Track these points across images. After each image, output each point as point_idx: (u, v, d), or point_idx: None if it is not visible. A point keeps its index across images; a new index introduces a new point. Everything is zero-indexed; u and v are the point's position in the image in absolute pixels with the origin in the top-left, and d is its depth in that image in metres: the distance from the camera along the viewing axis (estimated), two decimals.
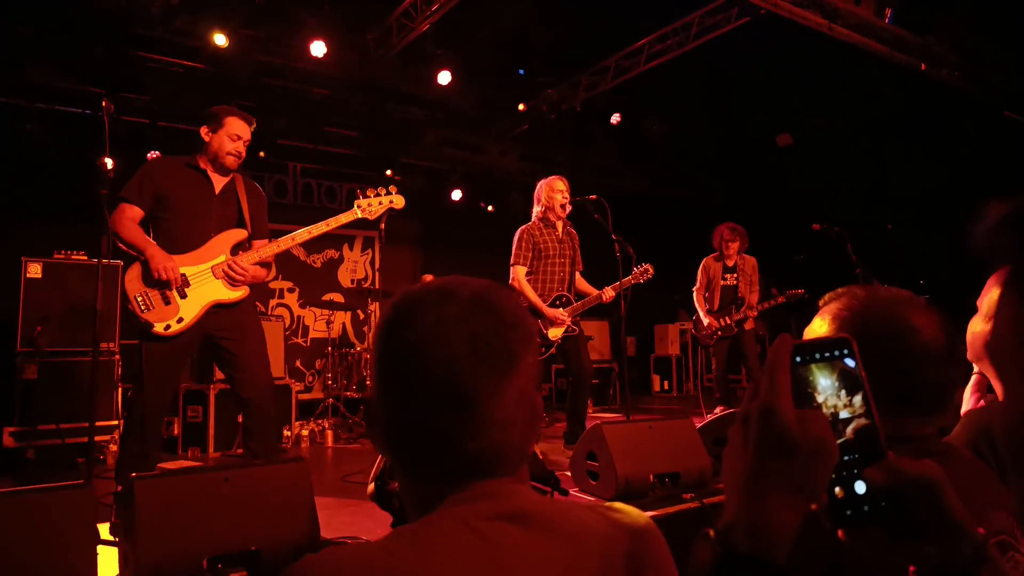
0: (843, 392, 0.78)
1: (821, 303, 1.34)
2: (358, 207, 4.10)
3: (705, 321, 7.00)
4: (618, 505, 0.97)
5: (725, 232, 7.10)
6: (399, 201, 4.17)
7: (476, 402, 0.83)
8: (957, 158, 8.71)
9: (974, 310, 2.03)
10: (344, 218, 4.03)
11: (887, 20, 6.75)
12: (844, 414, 0.77)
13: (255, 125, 4.00)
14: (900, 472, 0.74)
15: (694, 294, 7.18)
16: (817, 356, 0.79)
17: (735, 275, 7.08)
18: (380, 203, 4.13)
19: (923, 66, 7.26)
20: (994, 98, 8.02)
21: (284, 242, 3.94)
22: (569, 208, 5.46)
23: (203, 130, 3.88)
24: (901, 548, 0.74)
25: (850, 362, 0.78)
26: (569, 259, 5.49)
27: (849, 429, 0.77)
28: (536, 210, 5.52)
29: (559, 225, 5.49)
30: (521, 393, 0.87)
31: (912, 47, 7.11)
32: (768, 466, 0.70)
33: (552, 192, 5.43)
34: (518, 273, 5.35)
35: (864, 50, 6.92)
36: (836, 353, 0.79)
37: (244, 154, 3.93)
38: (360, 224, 4.41)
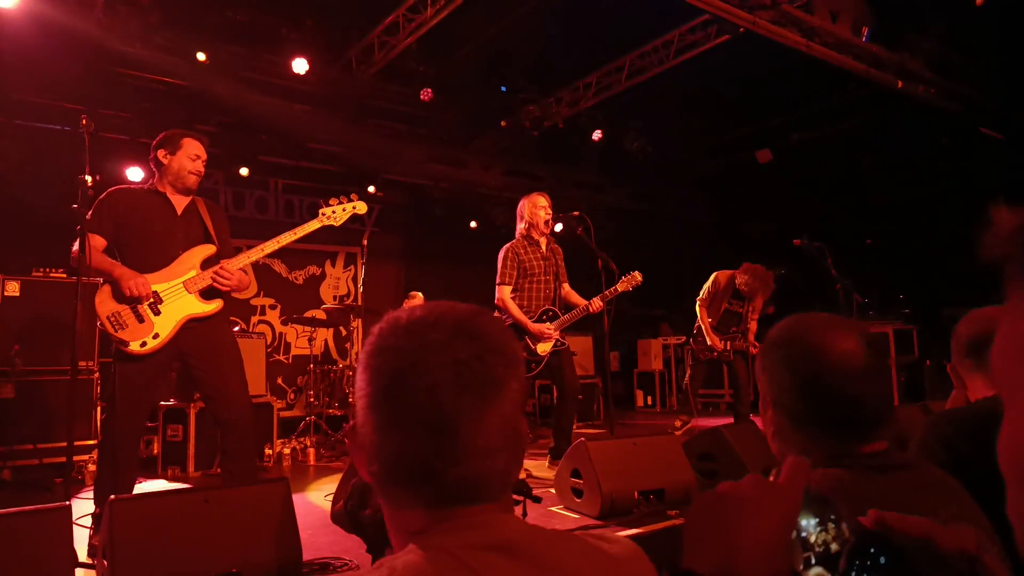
0: (823, 518, 0.82)
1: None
2: (322, 214, 4.14)
3: (709, 341, 6.83)
4: (606, 534, 0.97)
5: (760, 290, 6.73)
6: (361, 207, 4.23)
7: (457, 429, 0.83)
8: (935, 173, 8.83)
9: (952, 322, 2.06)
10: (309, 227, 4.05)
11: (864, 38, 6.85)
12: (834, 546, 0.82)
13: (207, 143, 4.01)
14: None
15: (698, 305, 6.96)
16: None
17: (743, 303, 6.92)
18: (344, 210, 4.17)
19: (899, 83, 7.36)
20: (970, 114, 8.15)
21: (254, 252, 3.92)
22: (552, 224, 5.46)
23: (160, 153, 3.85)
24: None
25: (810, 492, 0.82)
26: (554, 276, 5.46)
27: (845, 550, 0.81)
28: (519, 227, 5.50)
29: (543, 242, 5.47)
30: (505, 419, 0.86)
31: (889, 64, 7.22)
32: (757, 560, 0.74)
33: (535, 208, 5.43)
34: (503, 293, 5.31)
35: (842, 68, 7.00)
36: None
37: (203, 172, 3.93)
38: (342, 240, 4.44)
